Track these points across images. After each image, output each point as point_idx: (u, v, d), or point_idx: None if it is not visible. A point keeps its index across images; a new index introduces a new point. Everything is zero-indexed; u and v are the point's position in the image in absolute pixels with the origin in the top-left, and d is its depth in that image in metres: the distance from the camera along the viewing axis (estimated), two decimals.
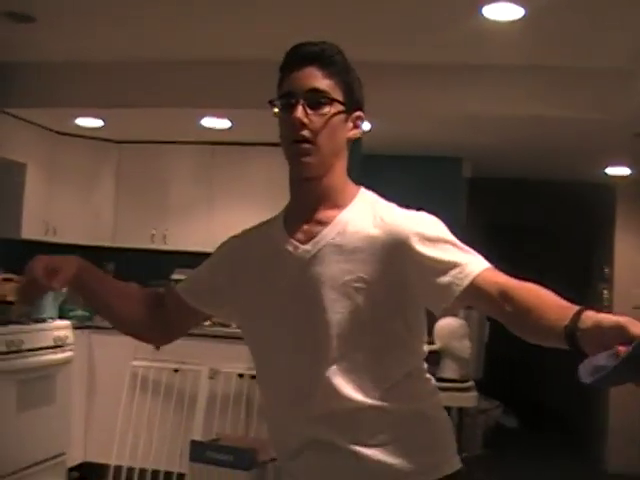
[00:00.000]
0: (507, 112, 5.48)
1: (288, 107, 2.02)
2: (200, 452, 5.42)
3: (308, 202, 2.09)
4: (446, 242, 1.96)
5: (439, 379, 5.41)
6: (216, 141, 6.82)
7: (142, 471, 6.22)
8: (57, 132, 6.85)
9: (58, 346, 5.89)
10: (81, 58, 5.77)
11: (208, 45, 5.37)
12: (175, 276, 6.96)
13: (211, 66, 5.69)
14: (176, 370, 6.25)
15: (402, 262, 1.95)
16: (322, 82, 2.02)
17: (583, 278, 9.63)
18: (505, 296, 1.83)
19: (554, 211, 9.54)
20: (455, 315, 5.63)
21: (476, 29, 4.63)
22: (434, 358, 5.48)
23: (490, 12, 4.38)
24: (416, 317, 2.05)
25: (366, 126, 5.81)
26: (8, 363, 5.29)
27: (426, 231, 1.97)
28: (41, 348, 5.70)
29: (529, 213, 9.63)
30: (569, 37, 4.75)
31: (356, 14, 4.65)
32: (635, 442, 7.41)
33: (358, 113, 2.08)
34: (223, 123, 6.32)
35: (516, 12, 4.37)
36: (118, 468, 6.28)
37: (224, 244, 2.25)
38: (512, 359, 10.26)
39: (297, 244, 2.04)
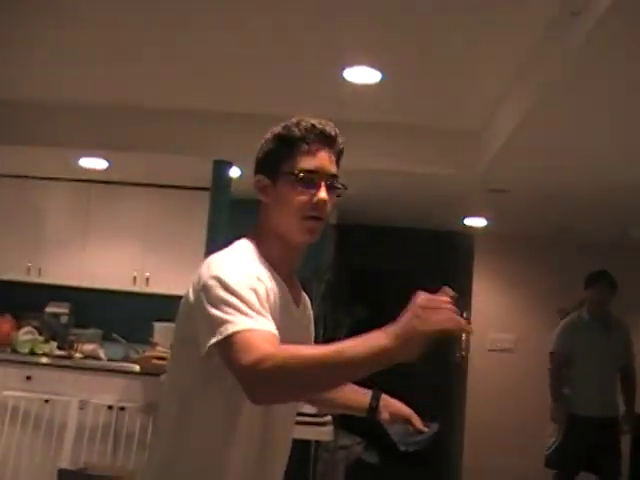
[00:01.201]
0: (367, 166, 5.73)
1: (311, 183, 2.15)
2: None
3: (293, 266, 2.25)
4: None
5: (299, 414, 5.70)
6: (93, 179, 6.94)
7: None
8: None
9: None
10: None
11: (85, 89, 5.54)
12: (49, 309, 7.12)
13: (89, 109, 5.87)
14: (47, 401, 6.36)
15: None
16: (335, 167, 2.20)
17: None
18: None
19: (417, 257, 9.93)
20: None
21: (339, 88, 4.94)
22: None
23: (350, 75, 4.71)
24: None
25: (236, 172, 6.14)
26: None
27: None
28: None
29: (392, 258, 9.99)
30: (426, 100, 5.13)
31: (228, 69, 4.93)
32: (486, 476, 7.87)
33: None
34: (100, 163, 6.47)
35: (374, 76, 4.71)
36: None
37: (255, 277, 2.06)
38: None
39: (296, 309, 2.24)
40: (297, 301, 2.25)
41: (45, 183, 7.23)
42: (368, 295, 8.14)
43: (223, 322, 1.90)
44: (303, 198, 2.14)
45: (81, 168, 6.66)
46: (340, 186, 2.18)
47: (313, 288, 6.48)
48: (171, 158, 6.08)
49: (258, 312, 1.95)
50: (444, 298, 1.86)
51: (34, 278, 7.14)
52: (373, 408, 2.36)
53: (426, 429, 2.18)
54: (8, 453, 6.29)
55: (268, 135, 2.22)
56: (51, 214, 7.24)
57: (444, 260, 9.57)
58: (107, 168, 6.52)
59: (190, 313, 2.04)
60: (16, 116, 5.98)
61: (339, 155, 2.22)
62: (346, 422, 7.90)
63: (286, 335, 1.99)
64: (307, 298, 2.35)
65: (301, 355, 1.85)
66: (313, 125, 2.18)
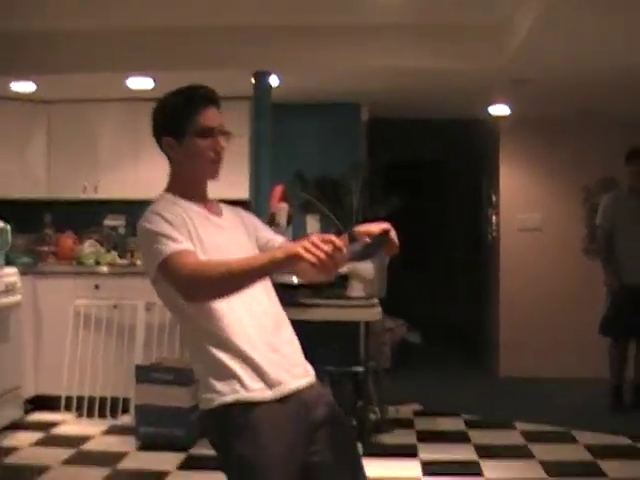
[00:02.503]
0: (397, 64, 6.16)
1: (209, 135, 2.79)
2: (144, 374, 6.16)
3: (204, 195, 2.89)
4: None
5: (348, 298, 6.19)
6: (141, 98, 7.07)
7: (91, 399, 6.83)
8: None
9: (8, 291, 6.49)
10: (12, 28, 6.17)
11: (131, 15, 5.89)
12: (107, 222, 7.57)
13: (134, 34, 6.21)
14: (115, 306, 6.88)
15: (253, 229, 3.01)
16: (222, 118, 2.86)
17: (475, 205, 10.48)
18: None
19: (446, 146, 10.25)
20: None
21: None
22: (342, 280, 6.23)
23: None
24: None
25: (275, 80, 6.52)
26: None
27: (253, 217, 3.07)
28: None
29: (425, 149, 10.33)
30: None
31: None
32: (521, 351, 8.38)
33: None
34: (147, 83, 6.78)
35: None
36: (69, 398, 6.90)
37: (165, 211, 2.69)
38: (414, 281, 11.13)
39: (219, 219, 2.87)
40: (218, 213, 2.89)
41: (96, 105, 7.52)
42: (403, 186, 8.52)
43: (156, 253, 2.60)
44: (208, 148, 2.80)
45: (129, 89, 6.97)
46: (228, 132, 2.85)
47: (352, 185, 6.86)
48: (212, 72, 6.40)
49: (175, 239, 2.62)
50: (327, 244, 2.38)
51: (91, 195, 7.51)
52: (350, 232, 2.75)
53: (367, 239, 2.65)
54: (85, 356, 6.87)
55: (164, 102, 2.86)
56: (103, 134, 7.57)
57: (472, 147, 9.94)
58: (153, 87, 6.84)
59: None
60: (70, 44, 6.33)
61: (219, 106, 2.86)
62: (391, 306, 8.43)
63: (214, 238, 2.74)
64: (236, 208, 3.01)
65: (215, 264, 2.57)
66: (190, 88, 2.83)
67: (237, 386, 2.60)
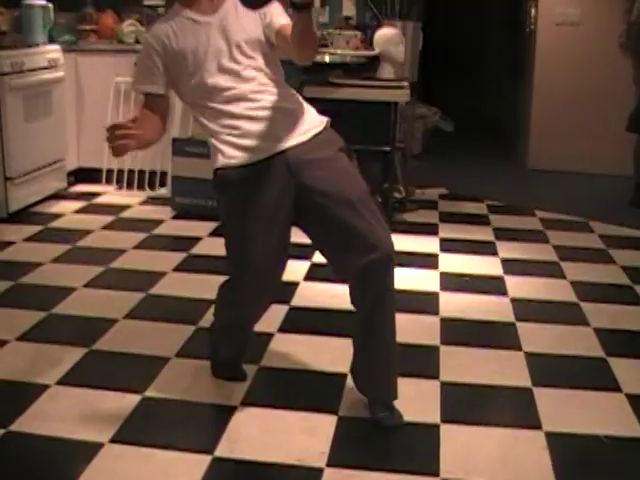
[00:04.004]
0: None
1: None
2: (180, 147, 6.45)
3: None
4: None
5: (378, 79, 6.35)
6: None
7: (130, 172, 7.17)
8: None
9: (52, 67, 6.70)
10: None
11: None
12: (146, 1, 7.63)
13: None
14: None
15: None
16: None
17: None
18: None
19: None
20: (392, 26, 6.46)
21: None
22: (374, 63, 6.39)
23: None
24: None
25: None
26: (15, 81, 6.15)
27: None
28: (39, 68, 6.52)
29: None
30: None
31: None
32: (553, 142, 8.53)
33: None
34: None
35: None
36: (109, 171, 7.26)
37: (149, 39, 3.15)
38: (449, 67, 11.18)
39: (209, 16, 3.12)
40: (213, 11, 3.13)
41: None
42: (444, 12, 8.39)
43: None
44: None
45: None
46: None
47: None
48: None
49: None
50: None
51: None
52: None
53: None
54: None
55: None
56: None
57: None
58: None
59: None
60: None
61: None
62: (426, 94, 8.55)
63: (197, 39, 3.08)
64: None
65: None
66: None
67: (219, 156, 3.10)
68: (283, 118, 3.11)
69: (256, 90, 3.10)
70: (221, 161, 3.09)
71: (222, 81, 3.09)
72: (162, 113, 3.17)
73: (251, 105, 3.08)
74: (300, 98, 3.27)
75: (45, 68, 6.64)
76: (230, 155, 3.07)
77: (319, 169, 3.08)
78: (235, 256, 3.21)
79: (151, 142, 3.11)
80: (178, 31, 3.11)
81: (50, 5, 6.93)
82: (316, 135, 3.15)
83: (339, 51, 6.34)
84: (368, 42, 6.45)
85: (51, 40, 6.96)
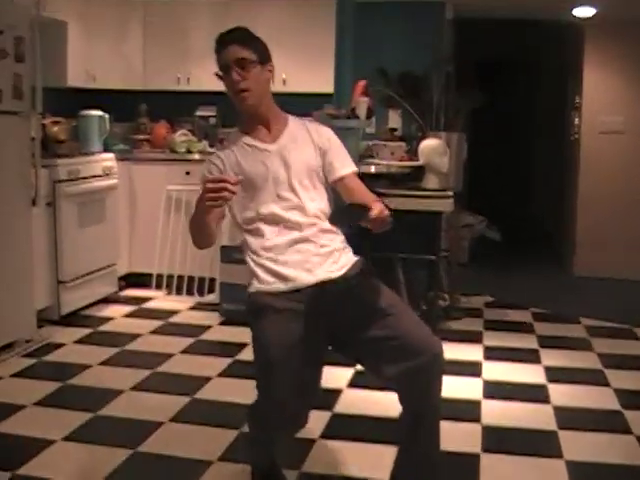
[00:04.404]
0: None
1: (227, 73, 3.17)
2: (228, 254, 6.55)
3: (262, 121, 3.30)
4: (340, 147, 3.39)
5: (423, 189, 6.47)
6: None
7: (179, 277, 7.34)
8: None
9: (106, 175, 6.96)
10: None
11: None
12: (199, 112, 7.92)
13: None
14: None
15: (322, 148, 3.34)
16: (242, 52, 3.18)
17: (559, 107, 10.53)
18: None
19: (533, 47, 10.25)
20: (437, 137, 6.60)
21: None
22: (418, 173, 6.51)
23: None
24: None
25: None
26: (71, 188, 6.40)
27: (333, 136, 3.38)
28: (93, 176, 6.79)
29: (511, 49, 10.34)
30: None
31: None
32: (599, 252, 8.55)
33: (269, 64, 3.30)
34: None
35: None
36: (159, 276, 7.42)
37: (212, 160, 3.32)
38: (496, 177, 11.29)
39: (268, 144, 3.28)
40: (272, 140, 3.30)
41: (189, 2, 7.84)
42: (487, 84, 8.63)
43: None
44: (227, 84, 3.20)
45: None
46: (247, 62, 3.16)
47: (433, 81, 7.06)
48: None
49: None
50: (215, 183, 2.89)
51: (184, 87, 7.86)
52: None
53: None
54: (176, 238, 7.29)
55: None
56: (195, 29, 7.80)
57: (557, 49, 9.95)
58: None
59: None
60: None
61: (248, 42, 3.21)
62: (472, 202, 8.64)
63: (255, 166, 3.24)
64: (310, 128, 3.37)
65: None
66: (218, 36, 3.24)
67: (254, 280, 3.26)
68: (322, 254, 3.22)
69: (306, 223, 3.23)
70: (255, 286, 3.24)
71: (276, 209, 3.22)
72: (217, 221, 3.24)
73: (296, 236, 3.20)
74: (342, 238, 3.37)
75: (100, 176, 6.89)
76: (264, 280, 3.20)
77: (350, 300, 3.16)
78: (260, 381, 3.21)
79: (219, 222, 3.23)
80: (239, 155, 3.29)
81: (106, 115, 7.21)
82: (349, 271, 3.25)
83: (384, 162, 6.49)
84: (413, 152, 6.59)
85: (106, 149, 7.24)
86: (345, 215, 3.01)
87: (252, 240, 3.26)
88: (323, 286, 3.16)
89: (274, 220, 3.22)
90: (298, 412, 3.29)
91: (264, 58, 3.27)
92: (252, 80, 3.20)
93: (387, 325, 3.07)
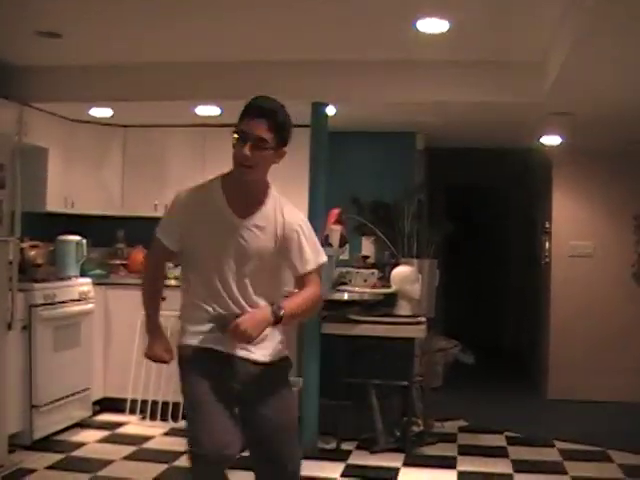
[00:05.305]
0: (441, 98, 6.50)
1: (241, 141, 3.23)
2: None
3: (244, 192, 3.38)
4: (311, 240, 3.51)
5: (395, 316, 6.56)
6: (207, 124, 7.71)
7: (154, 402, 7.30)
8: (73, 120, 7.65)
9: (82, 299, 7.01)
10: (94, 62, 6.73)
11: (199, 46, 6.28)
12: None
13: (202, 65, 6.67)
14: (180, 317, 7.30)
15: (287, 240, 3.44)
16: (266, 134, 3.24)
17: (528, 231, 10.76)
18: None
19: (502, 174, 10.47)
20: (409, 264, 6.73)
21: (414, 36, 5.64)
22: (391, 299, 6.61)
23: (422, 26, 5.41)
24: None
25: (331, 110, 6.91)
26: (46, 313, 6.43)
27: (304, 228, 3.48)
28: (70, 300, 6.83)
29: (480, 177, 10.56)
30: (492, 38, 5.71)
31: (322, 25, 5.67)
32: (570, 373, 8.65)
33: (283, 149, 3.37)
34: (214, 110, 7.25)
35: (442, 25, 5.39)
36: (134, 401, 7.37)
37: (181, 197, 3.44)
38: (469, 301, 11.40)
39: (237, 218, 3.36)
40: (243, 215, 3.37)
41: (167, 130, 8.00)
42: (457, 211, 8.83)
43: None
44: (237, 148, 3.25)
45: (197, 115, 7.46)
46: (264, 145, 3.22)
47: (405, 208, 7.22)
48: None
49: (162, 227, 3.44)
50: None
51: (161, 213, 7.86)
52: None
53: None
54: (150, 364, 7.27)
55: None
56: (174, 156, 8.02)
57: (525, 175, 10.20)
58: (220, 114, 7.32)
59: None
60: (144, 75, 6.83)
61: (276, 126, 3.25)
62: (442, 327, 8.74)
63: (216, 230, 3.34)
64: (289, 216, 3.46)
65: (148, 277, 3.67)
66: (254, 98, 3.31)
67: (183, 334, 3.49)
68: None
69: (243, 297, 3.40)
70: (182, 340, 3.48)
71: (220, 272, 3.38)
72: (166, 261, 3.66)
73: (230, 306, 3.38)
74: (278, 333, 3.55)
75: (76, 300, 6.94)
76: (191, 334, 3.44)
77: (263, 393, 3.44)
78: (189, 415, 3.47)
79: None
80: (203, 213, 3.39)
81: (84, 240, 7.32)
82: (269, 363, 3.46)
83: (357, 289, 6.60)
84: (386, 279, 6.70)
85: (83, 274, 7.33)
86: (219, 321, 3.29)
87: (188, 293, 3.53)
88: (244, 363, 3.44)
89: (213, 281, 3.39)
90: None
91: (283, 143, 3.35)
92: (260, 160, 3.27)
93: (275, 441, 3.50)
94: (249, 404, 3.45)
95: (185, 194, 3.44)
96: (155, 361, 3.66)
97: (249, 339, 3.21)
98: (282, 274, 3.54)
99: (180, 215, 3.42)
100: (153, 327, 3.66)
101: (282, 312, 3.28)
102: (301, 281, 3.48)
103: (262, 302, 3.39)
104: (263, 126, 3.22)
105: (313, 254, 3.49)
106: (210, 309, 3.36)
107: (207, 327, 3.35)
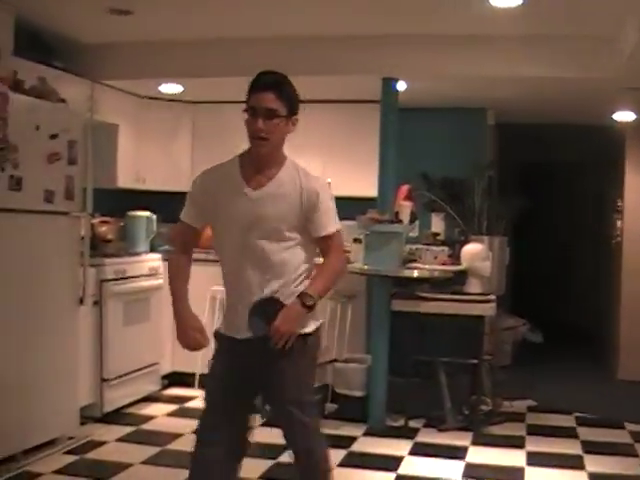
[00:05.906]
0: (515, 73, 6.40)
1: (253, 116, 3.33)
2: None
3: (259, 164, 3.43)
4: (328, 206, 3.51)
5: (465, 293, 6.53)
6: None
7: None
8: (144, 97, 7.79)
9: (152, 274, 7.11)
10: (164, 39, 6.80)
11: (271, 23, 6.32)
12: None
13: (272, 42, 6.66)
14: None
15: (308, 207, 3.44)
16: (274, 103, 3.33)
17: (600, 210, 10.60)
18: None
19: (574, 151, 10.33)
20: (479, 241, 6.68)
21: (488, 11, 5.58)
22: (461, 277, 6.57)
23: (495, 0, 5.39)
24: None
25: (402, 85, 6.86)
26: (117, 287, 6.53)
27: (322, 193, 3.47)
28: (139, 276, 6.94)
29: (552, 153, 10.44)
30: (566, 12, 5.62)
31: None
32: None
33: (294, 117, 3.43)
34: None
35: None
36: (202, 376, 7.46)
37: (197, 180, 3.57)
38: (538, 280, 11.28)
39: (252, 191, 3.40)
40: (257, 187, 3.41)
41: (236, 107, 7.74)
42: (528, 188, 8.71)
43: None
44: (249, 125, 3.39)
45: None
46: (275, 115, 3.32)
47: (475, 184, 7.16)
48: (344, 78, 6.89)
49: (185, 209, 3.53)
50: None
51: None
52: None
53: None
54: None
55: None
56: (241, 132, 7.83)
57: (597, 152, 10.03)
58: None
59: None
60: (215, 51, 6.90)
61: (284, 94, 3.35)
62: (510, 305, 8.67)
63: (232, 204, 3.40)
64: (305, 182, 3.45)
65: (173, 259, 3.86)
66: (257, 75, 3.39)
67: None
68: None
69: (264, 271, 3.44)
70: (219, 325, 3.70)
71: (240, 246, 3.44)
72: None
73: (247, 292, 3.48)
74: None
75: (146, 275, 7.02)
76: (222, 322, 3.69)
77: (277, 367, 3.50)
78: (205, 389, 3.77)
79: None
80: (220, 187, 3.48)
81: (154, 216, 7.37)
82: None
83: (427, 266, 6.55)
84: (456, 256, 6.65)
85: (152, 249, 7.41)
86: (260, 310, 3.41)
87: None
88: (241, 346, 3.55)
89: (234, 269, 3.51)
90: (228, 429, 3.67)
91: (293, 112, 3.42)
92: (273, 131, 3.35)
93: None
94: (262, 382, 3.59)
95: (202, 174, 3.58)
96: (192, 348, 3.68)
97: (292, 335, 3.36)
98: (307, 246, 3.54)
99: (198, 194, 3.53)
100: (181, 308, 3.72)
101: (311, 301, 3.39)
102: (322, 245, 3.54)
103: (281, 278, 3.44)
104: (270, 97, 3.33)
105: (328, 220, 3.52)
106: (235, 294, 3.56)
107: (227, 311, 3.61)
